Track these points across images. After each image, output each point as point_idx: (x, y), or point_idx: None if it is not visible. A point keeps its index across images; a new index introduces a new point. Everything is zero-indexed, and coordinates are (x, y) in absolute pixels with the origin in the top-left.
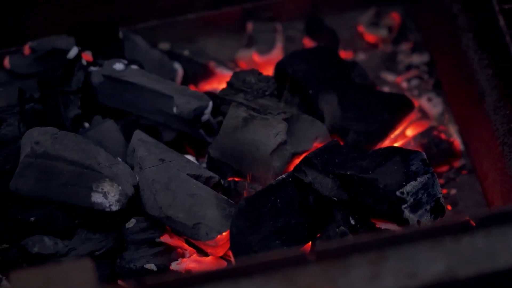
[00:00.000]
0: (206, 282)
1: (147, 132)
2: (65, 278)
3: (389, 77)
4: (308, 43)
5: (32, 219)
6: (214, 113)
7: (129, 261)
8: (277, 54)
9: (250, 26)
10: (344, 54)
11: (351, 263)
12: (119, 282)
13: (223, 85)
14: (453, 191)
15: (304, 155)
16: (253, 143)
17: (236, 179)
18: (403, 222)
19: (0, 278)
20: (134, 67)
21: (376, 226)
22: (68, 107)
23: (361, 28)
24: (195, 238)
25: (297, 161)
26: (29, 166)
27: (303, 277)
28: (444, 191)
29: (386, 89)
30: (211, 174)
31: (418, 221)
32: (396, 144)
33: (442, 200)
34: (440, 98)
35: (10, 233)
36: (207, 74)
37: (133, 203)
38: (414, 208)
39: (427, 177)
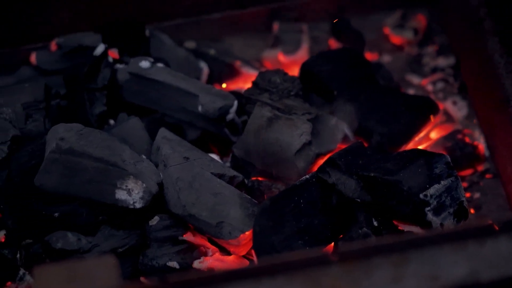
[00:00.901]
0: (228, 281)
1: (171, 130)
2: (89, 274)
3: (414, 79)
4: (334, 44)
5: (56, 214)
6: (239, 112)
7: (152, 259)
8: (302, 54)
9: (276, 26)
10: (370, 56)
11: (373, 264)
12: (142, 279)
13: (249, 85)
14: (477, 195)
15: (328, 156)
16: (277, 143)
17: (260, 178)
18: (426, 224)
19: (24, 273)
20: (160, 65)
21: (399, 228)
22: (93, 104)
23: (386, 30)
24: (218, 236)
25: (321, 161)
26: (54, 162)
27: (326, 278)
28: (468, 194)
29: (411, 91)
30: (235, 173)
31: (441, 224)
32: (420, 147)
33: (465, 203)
34: (465, 101)
35: (34, 229)
36: (233, 73)
37: (157, 200)
38: (437, 211)
39: (451, 180)
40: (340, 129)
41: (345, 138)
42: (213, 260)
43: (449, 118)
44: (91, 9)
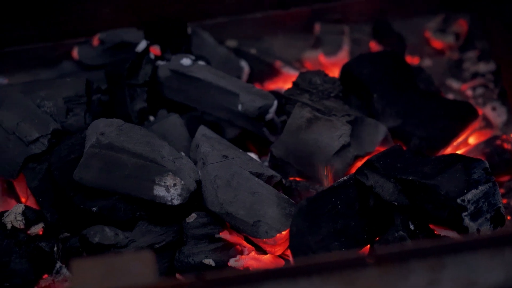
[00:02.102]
0: (265, 280)
1: (210, 128)
2: (126, 269)
3: (454, 84)
4: (375, 46)
5: (95, 209)
6: (278, 112)
7: (188, 256)
8: (343, 56)
9: (317, 27)
10: (410, 59)
11: (410, 268)
12: (177, 276)
13: (289, 85)
14: None
15: (366, 158)
16: (316, 143)
17: (297, 179)
18: (463, 230)
19: (60, 266)
20: (201, 63)
21: (435, 232)
22: (134, 99)
23: (428, 34)
24: (254, 235)
25: (359, 164)
26: (93, 157)
27: (362, 280)
28: (505, 201)
29: (450, 96)
30: (273, 173)
31: (478, 230)
32: (458, 152)
33: (502, 209)
34: (505, 107)
35: (71, 222)
36: (273, 73)
37: (195, 198)
38: (474, 217)
39: (489, 186)
40: (379, 132)
41: (384, 141)
42: (249, 259)
43: (488, 123)
44: (134, 5)
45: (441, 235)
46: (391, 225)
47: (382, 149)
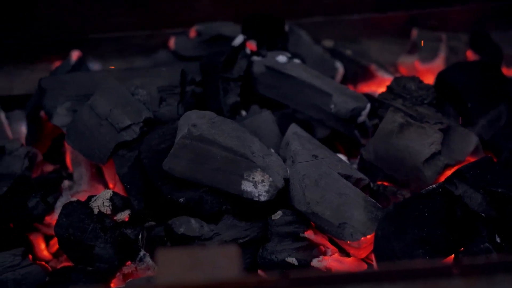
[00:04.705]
0: (350, 282)
1: (301, 127)
2: (211, 262)
3: None
4: (471, 56)
5: (182, 200)
6: (370, 115)
7: (271, 253)
8: (439, 63)
9: (414, 32)
10: (506, 71)
11: (495, 281)
12: (259, 272)
13: (382, 89)
14: None
15: (456, 167)
16: (407, 149)
17: (385, 183)
18: None
19: (144, 254)
20: (296, 61)
21: None
22: (227, 93)
23: None
24: (339, 237)
25: (448, 172)
26: (184, 147)
27: None
28: None
29: None
30: (362, 175)
31: None
32: None
33: None
34: None
35: (158, 211)
36: (367, 76)
37: (282, 195)
38: None
39: None
40: (471, 142)
41: (475, 152)
42: (331, 260)
43: None
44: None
45: None
46: (477, 236)
47: (472, 159)
